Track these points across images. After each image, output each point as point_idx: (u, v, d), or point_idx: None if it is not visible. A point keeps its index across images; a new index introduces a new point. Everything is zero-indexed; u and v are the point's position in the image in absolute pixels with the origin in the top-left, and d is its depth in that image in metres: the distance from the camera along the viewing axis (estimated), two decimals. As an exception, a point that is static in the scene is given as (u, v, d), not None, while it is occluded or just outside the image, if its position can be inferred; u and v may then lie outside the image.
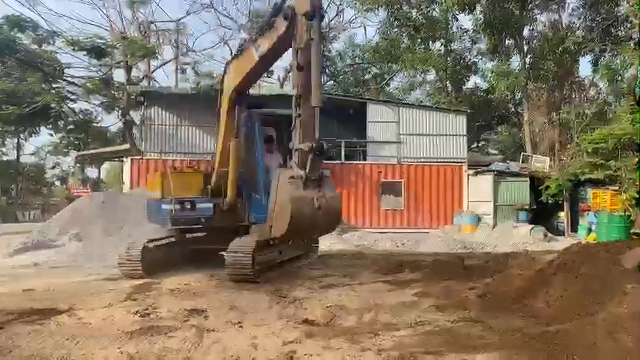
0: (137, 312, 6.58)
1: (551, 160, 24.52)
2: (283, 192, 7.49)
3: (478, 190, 21.18)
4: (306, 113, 7.33)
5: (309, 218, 7.48)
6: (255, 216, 10.24)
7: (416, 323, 6.06)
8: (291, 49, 7.71)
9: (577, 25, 29.75)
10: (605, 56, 28.31)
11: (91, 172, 42.13)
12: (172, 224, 9.97)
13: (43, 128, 32.61)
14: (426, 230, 20.49)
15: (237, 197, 10.16)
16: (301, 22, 7.18)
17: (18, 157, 40.68)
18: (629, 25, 26.88)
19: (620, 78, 25.86)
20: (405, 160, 21.59)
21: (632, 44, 25.24)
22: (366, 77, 37.41)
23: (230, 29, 31.80)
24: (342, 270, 10.35)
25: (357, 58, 37.64)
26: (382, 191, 21.25)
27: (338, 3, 33.73)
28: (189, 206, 9.89)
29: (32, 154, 44.18)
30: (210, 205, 10.10)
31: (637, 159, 16.69)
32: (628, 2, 23.14)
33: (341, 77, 36.92)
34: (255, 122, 10.31)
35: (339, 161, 21.18)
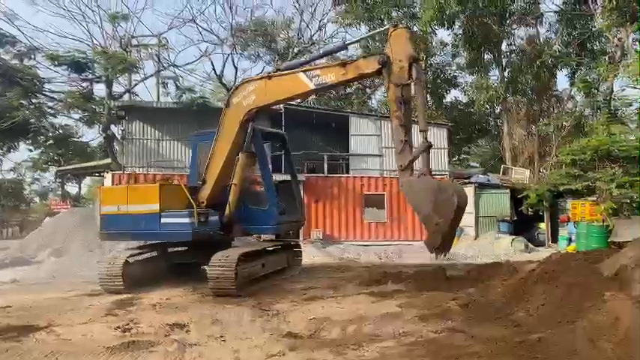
0: (118, 327, 6.49)
1: (530, 172, 24.85)
2: (424, 186, 8.13)
3: (460, 202, 21.32)
4: (410, 139, 8.77)
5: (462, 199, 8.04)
6: (260, 228, 10.84)
7: (400, 334, 6.06)
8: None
9: (554, 40, 30.36)
10: (581, 70, 28.91)
11: (72, 187, 41.52)
12: (192, 237, 9.65)
13: (22, 144, 32.17)
14: (409, 242, 20.54)
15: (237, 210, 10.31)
16: (399, 65, 8.58)
17: (-5, 173, 39.95)
18: (603, 40, 27.52)
19: (596, 91, 26.40)
20: (388, 172, 21.70)
21: (606, 58, 25.82)
22: (348, 91, 37.65)
23: (214, 44, 31.73)
24: (326, 282, 10.34)
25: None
26: (365, 204, 21.29)
27: (319, 18, 34.01)
28: (203, 219, 9.84)
29: (11, 170, 43.46)
30: (217, 217, 10.16)
31: (613, 170, 17.01)
32: (602, 18, 23.69)
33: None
34: (259, 137, 10.56)
35: (322, 174, 21.21)
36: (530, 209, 20.25)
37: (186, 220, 9.55)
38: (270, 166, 10.95)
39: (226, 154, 10.16)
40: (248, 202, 10.57)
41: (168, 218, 9.61)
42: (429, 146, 8.41)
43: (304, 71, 9.52)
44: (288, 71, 9.78)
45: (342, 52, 21.29)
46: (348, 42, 11.27)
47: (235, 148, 10.13)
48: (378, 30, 11.23)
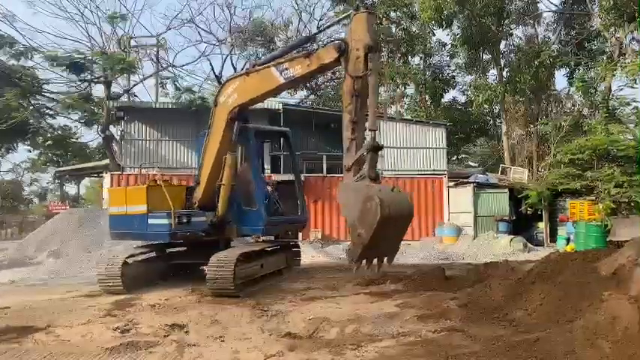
0: (117, 328, 6.49)
1: (529, 172, 24.86)
2: (354, 193, 7.07)
3: (458, 202, 21.35)
4: (361, 137, 7.68)
5: (395, 208, 6.76)
6: (250, 228, 10.41)
7: (398, 334, 6.07)
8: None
9: (552, 40, 30.42)
10: (579, 69, 28.96)
11: (70, 188, 41.54)
12: (170, 238, 9.81)
13: (20, 144, 32.19)
14: (408, 242, 20.54)
15: (228, 210, 10.20)
16: (356, 54, 7.73)
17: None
18: (601, 40, 27.56)
19: (594, 91, 26.43)
20: (386, 172, 21.70)
21: (605, 58, 25.86)
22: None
23: (212, 45, 31.69)
24: (325, 282, 10.34)
25: (337, 72, 37.90)
26: (364, 204, 21.27)
27: (318, 19, 34.01)
28: (185, 220, 9.82)
29: (9, 170, 43.49)
30: (204, 218, 10.09)
31: (611, 170, 17.05)
32: (600, 17, 23.73)
33: (322, 91, 37.13)
34: (250, 136, 10.43)
35: (321, 174, 21.22)
36: (529, 209, 20.28)
37: (165, 221, 9.60)
38: (260, 166, 10.66)
39: (215, 154, 10.02)
40: (241, 202, 10.45)
41: (153, 219, 9.75)
42: (377, 147, 7.22)
43: (275, 65, 9.08)
44: (262, 67, 9.39)
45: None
46: (314, 33, 10.34)
47: (224, 148, 9.95)
48: (344, 15, 10.16)
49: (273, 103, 19.89)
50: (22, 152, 41.75)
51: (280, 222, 11.12)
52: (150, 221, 9.77)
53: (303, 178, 20.40)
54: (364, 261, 7.15)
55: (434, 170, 21.99)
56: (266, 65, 9.26)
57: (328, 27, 10.03)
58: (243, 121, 10.23)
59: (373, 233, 6.47)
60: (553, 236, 20.14)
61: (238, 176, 10.36)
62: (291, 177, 12.35)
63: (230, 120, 9.82)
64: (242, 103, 9.72)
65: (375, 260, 7.34)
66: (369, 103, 7.66)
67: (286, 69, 8.88)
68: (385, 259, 7.47)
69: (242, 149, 10.48)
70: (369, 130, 7.36)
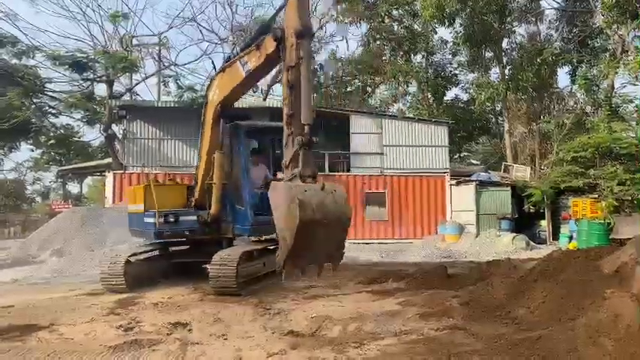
0: (120, 326, 6.51)
1: (531, 170, 24.85)
2: (280, 194, 6.49)
3: (461, 200, 21.35)
4: (298, 131, 6.94)
5: (321, 211, 6.18)
6: (239, 228, 10.13)
7: (400, 332, 6.07)
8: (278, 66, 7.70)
9: (554, 37, 30.37)
10: (582, 67, 28.92)
11: (73, 187, 41.65)
12: (156, 237, 9.92)
13: (23, 143, 32.29)
14: (410, 240, 20.58)
15: (222, 209, 10.11)
16: (290, 41, 7.10)
17: (-3, 173, 40.07)
18: (604, 37, 27.50)
19: (597, 88, 26.38)
20: (389, 171, 21.72)
21: (607, 55, 25.80)
22: (349, 89, 37.67)
23: (214, 43, 31.76)
24: (327, 281, 10.33)
25: (339, 71, 37.92)
26: (366, 202, 21.32)
27: (320, 17, 33.98)
28: (172, 219, 9.85)
29: (12, 169, 43.59)
30: (194, 217, 10.05)
31: (614, 167, 17.01)
32: (602, 14, 23.67)
33: (324, 90, 37.15)
34: (241, 134, 10.28)
35: (323, 173, 21.22)
36: (532, 207, 20.28)
37: (151, 220, 9.72)
38: (246, 165, 10.27)
39: (206, 152, 9.88)
40: (234, 201, 10.23)
41: (147, 218, 9.96)
42: (307, 143, 6.61)
43: (239, 59, 8.56)
44: (231, 61, 8.99)
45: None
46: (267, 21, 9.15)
47: (213, 147, 9.76)
48: None
49: (274, 102, 19.89)
50: (25, 151, 41.79)
51: (269, 222, 10.90)
52: (145, 220, 10.02)
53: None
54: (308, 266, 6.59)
55: (436, 168, 22.00)
56: (234, 60, 8.85)
57: (278, 12, 8.57)
58: (230, 119, 10.00)
59: (296, 238, 5.97)
60: (555, 234, 20.14)
61: (231, 175, 10.21)
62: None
63: (217, 117, 9.57)
64: (221, 100, 9.36)
65: (314, 266, 6.69)
66: (302, 94, 6.94)
67: (246, 62, 8.38)
68: (331, 264, 6.81)
69: (232, 147, 10.17)
70: (303, 123, 6.76)
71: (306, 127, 6.68)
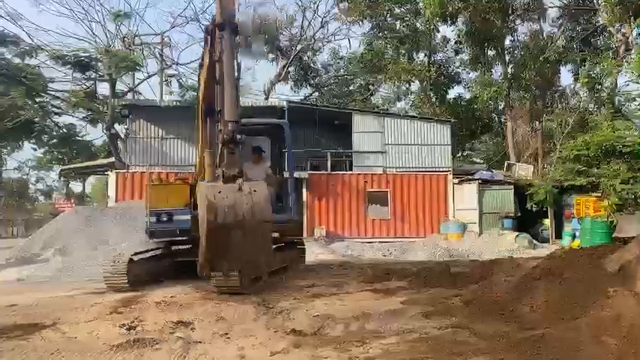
0: (123, 325, 6.51)
1: (534, 168, 24.80)
2: (199, 195, 6.22)
3: (463, 199, 21.33)
4: (226, 128, 6.60)
5: (233, 213, 5.75)
6: None
7: (403, 331, 6.06)
8: None
9: (557, 36, 30.27)
10: (585, 65, 28.84)
11: (76, 186, 41.75)
12: (150, 237, 9.98)
13: (26, 143, 32.36)
14: (413, 239, 20.56)
15: None
16: (218, 34, 6.92)
17: (0, 172, 40.16)
18: (607, 35, 27.42)
19: (599, 87, 26.30)
20: (391, 169, 21.70)
21: (610, 53, 25.72)
22: (351, 88, 37.65)
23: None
24: (329, 280, 10.35)
25: (341, 70, 37.93)
26: (368, 201, 21.31)
27: (322, 16, 33.96)
28: (165, 218, 9.82)
29: (15, 169, 43.72)
30: (188, 216, 9.91)
31: (617, 166, 16.96)
32: (606, 13, 23.60)
33: (326, 88, 37.14)
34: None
35: (325, 171, 21.23)
36: (534, 206, 20.24)
37: (146, 219, 9.83)
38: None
39: (200, 151, 9.77)
40: None
41: (145, 217, 10.05)
42: (230, 141, 6.31)
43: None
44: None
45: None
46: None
47: (203, 145, 9.54)
48: None
49: (277, 101, 19.91)
50: (28, 150, 41.96)
51: None
52: (145, 219, 10.11)
53: (306, 175, 20.52)
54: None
55: (439, 167, 21.97)
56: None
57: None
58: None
59: (207, 241, 5.69)
60: (559, 233, 20.11)
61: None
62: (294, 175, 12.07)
63: (204, 115, 9.31)
64: (203, 96, 9.05)
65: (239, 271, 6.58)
66: (225, 90, 6.74)
67: (203, 57, 8.33)
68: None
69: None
70: (226, 120, 6.51)
71: (229, 125, 6.40)
